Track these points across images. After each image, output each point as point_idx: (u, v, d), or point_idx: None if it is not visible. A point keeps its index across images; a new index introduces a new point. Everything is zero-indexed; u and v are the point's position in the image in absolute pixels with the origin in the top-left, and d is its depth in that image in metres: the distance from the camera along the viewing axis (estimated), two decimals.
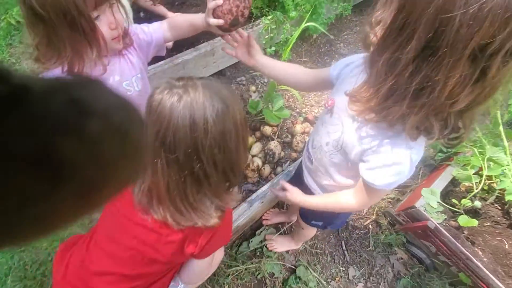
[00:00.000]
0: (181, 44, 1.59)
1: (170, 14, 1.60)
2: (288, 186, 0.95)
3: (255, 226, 1.61)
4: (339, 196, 0.81)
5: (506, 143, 1.44)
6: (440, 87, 0.47)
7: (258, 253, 1.52)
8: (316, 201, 0.88)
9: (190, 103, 0.53)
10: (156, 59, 1.41)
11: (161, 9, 1.58)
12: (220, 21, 0.80)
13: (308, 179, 1.00)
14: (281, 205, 1.69)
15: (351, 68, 0.74)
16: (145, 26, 0.98)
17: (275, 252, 1.52)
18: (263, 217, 1.61)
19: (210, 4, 0.79)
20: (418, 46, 0.46)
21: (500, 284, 1.22)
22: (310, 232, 1.38)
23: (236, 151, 0.60)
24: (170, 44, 1.43)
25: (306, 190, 1.06)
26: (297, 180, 1.18)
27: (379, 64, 0.52)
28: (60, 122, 0.16)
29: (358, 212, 1.74)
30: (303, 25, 1.25)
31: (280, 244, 1.51)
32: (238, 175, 0.65)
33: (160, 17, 1.67)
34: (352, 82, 0.67)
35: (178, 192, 0.58)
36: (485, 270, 1.25)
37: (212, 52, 1.49)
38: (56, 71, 0.79)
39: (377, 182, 0.66)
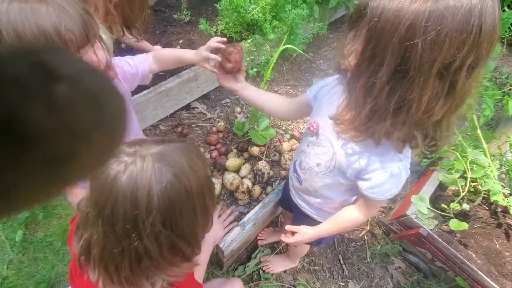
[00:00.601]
0: (163, 72, 1.61)
1: (154, 48, 1.62)
2: (296, 228, 0.96)
3: (250, 248, 1.59)
4: (345, 214, 0.83)
5: (485, 145, 1.49)
6: (416, 104, 0.52)
7: (255, 276, 1.49)
8: (327, 228, 0.89)
9: (135, 177, 0.49)
10: (139, 88, 1.42)
11: (145, 44, 1.60)
12: (219, 59, 0.93)
13: (296, 199, 1.01)
14: (275, 224, 1.68)
15: (328, 90, 0.78)
16: (129, 59, 1.00)
17: (273, 274, 1.49)
18: (258, 237, 1.59)
19: (213, 44, 0.93)
20: (389, 71, 0.51)
21: (495, 286, 1.23)
22: (305, 248, 1.37)
23: (190, 223, 0.57)
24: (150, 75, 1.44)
25: (295, 209, 1.06)
26: (286, 199, 1.18)
27: (357, 89, 0.56)
28: (25, 86, 0.15)
29: None
30: (281, 47, 1.29)
31: (276, 264, 1.49)
32: (196, 245, 0.62)
33: (144, 51, 1.70)
34: (333, 103, 0.71)
35: (112, 262, 0.55)
36: (480, 273, 1.26)
37: (195, 77, 1.52)
38: None
39: (381, 197, 0.71)
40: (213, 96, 1.71)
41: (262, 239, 1.58)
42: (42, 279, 1.37)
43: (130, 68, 0.99)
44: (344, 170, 0.74)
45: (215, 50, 0.96)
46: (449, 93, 0.51)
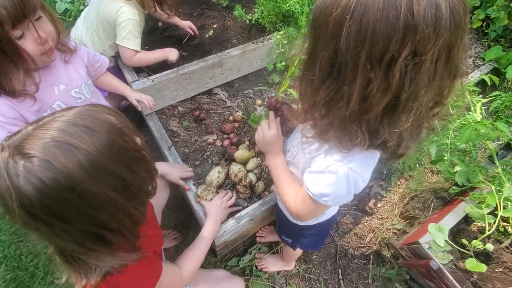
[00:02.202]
0: (192, 55, 1.63)
1: (183, 23, 1.64)
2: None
3: (248, 242, 1.57)
4: (291, 185, 0.78)
5: None
6: (346, 97, 0.51)
7: (247, 271, 1.47)
8: (279, 170, 0.82)
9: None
10: (162, 68, 1.45)
11: (176, 20, 1.63)
12: None
13: (275, 189, 1.09)
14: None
15: None
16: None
17: (265, 272, 1.47)
18: (258, 234, 1.57)
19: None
20: (324, 66, 0.52)
21: None
22: (291, 251, 1.32)
23: (100, 207, 0.54)
24: (174, 58, 1.47)
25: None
26: None
27: (302, 85, 0.60)
28: None
29: (359, 240, 1.64)
30: None
31: (270, 264, 1.46)
32: (128, 231, 0.60)
33: (176, 27, 1.72)
34: None
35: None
36: None
37: (220, 63, 1.50)
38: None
39: (312, 188, 0.65)
40: (237, 85, 1.69)
41: (261, 237, 1.56)
42: None
43: (94, 57, 1.06)
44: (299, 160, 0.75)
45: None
46: (387, 87, 0.47)
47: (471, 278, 1.29)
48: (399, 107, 0.49)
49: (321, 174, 0.62)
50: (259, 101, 1.63)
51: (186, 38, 1.71)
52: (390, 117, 0.52)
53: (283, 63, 1.67)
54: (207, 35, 1.76)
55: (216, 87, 1.62)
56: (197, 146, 1.42)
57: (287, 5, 1.53)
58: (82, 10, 2.27)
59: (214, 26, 1.80)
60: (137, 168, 0.59)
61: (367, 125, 0.54)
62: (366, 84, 0.48)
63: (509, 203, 1.26)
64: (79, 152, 0.49)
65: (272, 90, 1.69)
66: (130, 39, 1.28)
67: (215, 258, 1.48)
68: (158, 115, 1.46)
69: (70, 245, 0.55)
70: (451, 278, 1.19)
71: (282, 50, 1.64)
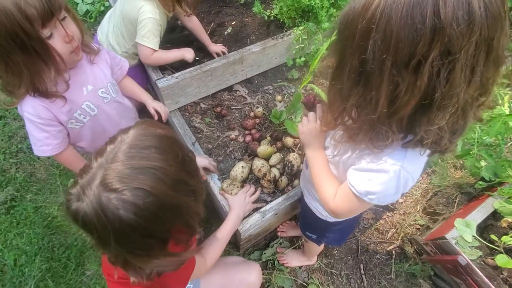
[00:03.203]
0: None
1: (213, 49, 1.63)
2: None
3: (269, 237, 1.59)
4: (331, 182, 0.76)
5: None
6: (374, 102, 0.52)
7: (270, 265, 1.49)
8: (318, 165, 0.80)
9: (92, 208, 0.51)
10: (185, 66, 1.47)
11: (207, 41, 1.63)
12: None
13: (302, 187, 1.07)
14: (298, 218, 1.65)
15: None
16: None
17: (287, 267, 1.48)
18: (279, 229, 1.58)
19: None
20: (353, 74, 0.53)
21: None
22: (314, 247, 1.32)
23: (166, 227, 0.58)
24: (191, 57, 1.48)
25: (302, 198, 1.09)
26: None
27: (331, 94, 0.61)
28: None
29: (381, 236, 1.63)
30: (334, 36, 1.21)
31: (292, 259, 1.47)
32: (192, 233, 0.64)
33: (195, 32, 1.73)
34: None
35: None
36: None
37: (240, 60, 1.52)
38: (31, 100, 0.81)
39: (357, 186, 0.64)
40: (256, 81, 1.70)
41: (282, 231, 1.57)
42: None
43: (115, 59, 1.07)
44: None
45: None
46: (415, 89, 0.47)
47: (501, 275, 1.26)
48: (433, 105, 0.49)
49: (370, 173, 0.62)
50: (279, 97, 1.63)
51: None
52: (424, 116, 0.51)
53: (303, 59, 1.67)
54: (226, 32, 1.77)
55: (236, 83, 1.64)
56: (219, 142, 1.44)
57: (307, 0, 1.53)
58: (103, 11, 2.34)
59: (233, 23, 1.81)
60: (193, 171, 0.64)
61: (398, 125, 0.54)
62: (393, 88, 0.49)
63: None
64: (159, 172, 0.53)
65: (292, 85, 1.69)
66: (149, 37, 1.31)
67: (237, 252, 1.51)
68: (181, 112, 1.50)
69: (138, 258, 0.58)
70: (481, 274, 1.17)
71: (302, 45, 1.64)
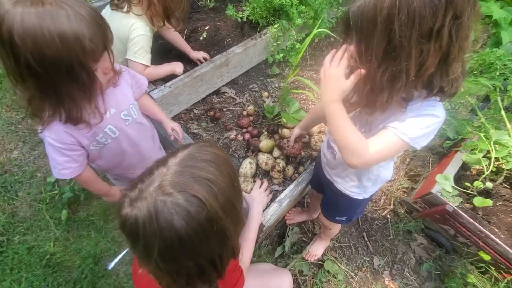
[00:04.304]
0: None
1: (194, 55, 1.65)
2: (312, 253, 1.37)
3: (279, 226, 1.67)
4: (358, 133, 0.74)
5: (508, 125, 1.54)
6: (405, 72, 0.62)
7: (291, 256, 1.56)
8: (344, 117, 0.74)
9: (143, 221, 0.50)
10: (172, 76, 1.47)
11: (187, 49, 1.65)
12: None
13: (332, 176, 1.08)
14: (301, 204, 1.75)
15: None
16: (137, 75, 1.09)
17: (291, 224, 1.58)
18: (286, 217, 1.66)
19: None
20: (379, 57, 0.63)
21: None
22: (337, 229, 1.44)
23: (219, 244, 0.57)
24: (181, 71, 1.50)
25: (328, 187, 1.13)
26: (317, 181, 1.26)
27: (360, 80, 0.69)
28: None
29: (375, 204, 1.81)
30: (315, 30, 1.32)
31: (317, 251, 1.55)
32: (224, 261, 0.61)
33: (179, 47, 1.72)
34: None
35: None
36: (504, 246, 1.33)
37: (226, 63, 1.56)
38: (56, 125, 0.80)
39: (410, 133, 0.69)
40: (241, 81, 1.76)
41: (290, 219, 1.66)
42: (88, 255, 1.46)
43: (134, 78, 1.06)
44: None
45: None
46: (438, 50, 0.60)
47: (478, 215, 1.50)
48: (450, 59, 0.62)
49: (422, 117, 0.69)
50: (265, 93, 1.71)
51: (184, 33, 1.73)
52: (442, 70, 0.64)
53: (281, 55, 1.77)
54: (201, 38, 1.80)
55: (223, 86, 1.68)
56: (221, 144, 1.48)
57: None
58: None
59: (206, 28, 1.84)
60: (240, 197, 0.63)
61: (421, 83, 0.66)
62: (419, 55, 0.60)
63: (497, 145, 1.49)
64: (214, 185, 0.53)
65: (275, 80, 1.78)
66: (141, 54, 1.29)
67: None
68: (176, 121, 1.49)
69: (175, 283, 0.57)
70: (466, 216, 1.39)
71: (278, 42, 1.74)
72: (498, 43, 1.93)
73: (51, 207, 1.57)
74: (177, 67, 1.48)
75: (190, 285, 0.59)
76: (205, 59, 1.63)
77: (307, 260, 1.56)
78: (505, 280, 1.44)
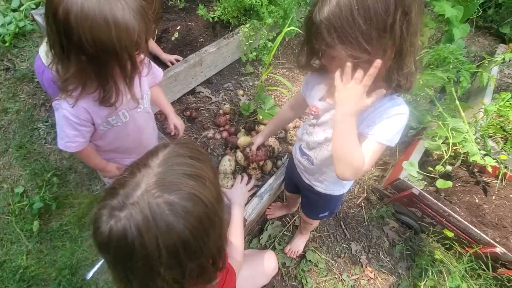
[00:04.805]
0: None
1: (166, 57, 1.65)
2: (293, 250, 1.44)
3: (261, 221, 1.70)
4: (359, 147, 0.74)
5: (462, 113, 1.69)
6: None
7: (269, 247, 1.61)
8: (354, 132, 0.74)
9: (142, 225, 0.45)
10: None
11: (158, 52, 1.64)
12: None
13: (311, 181, 1.10)
14: (281, 198, 1.80)
15: (312, 84, 0.93)
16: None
17: (284, 246, 1.62)
18: (266, 212, 1.70)
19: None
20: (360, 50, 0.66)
21: (478, 231, 1.45)
22: (317, 222, 1.51)
23: (217, 237, 0.55)
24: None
25: (308, 191, 1.15)
26: (292, 185, 1.31)
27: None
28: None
29: (349, 194, 1.91)
30: (285, 29, 1.38)
31: (299, 246, 1.60)
32: (222, 254, 0.60)
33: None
34: (321, 90, 0.89)
35: None
36: (465, 222, 1.47)
37: (200, 62, 1.57)
38: (79, 101, 0.83)
39: (387, 136, 0.74)
40: (215, 81, 1.77)
41: (271, 214, 1.70)
42: (64, 266, 1.40)
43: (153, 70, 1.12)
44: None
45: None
46: (393, 44, 0.65)
47: (441, 196, 1.64)
48: (403, 54, 0.67)
49: (392, 118, 0.74)
50: (241, 92, 1.74)
51: (154, 36, 1.72)
52: (397, 64, 0.69)
53: (254, 53, 1.81)
54: (173, 38, 1.78)
55: (198, 85, 1.68)
56: (199, 143, 1.48)
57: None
58: (20, 33, 2.05)
59: (178, 28, 1.83)
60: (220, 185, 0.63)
61: (382, 77, 0.71)
62: (383, 49, 0.66)
63: (454, 132, 1.63)
64: (206, 180, 0.52)
65: (249, 79, 1.82)
66: None
67: None
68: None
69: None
70: (430, 197, 1.51)
71: (250, 41, 1.77)
72: (450, 39, 2.11)
73: (21, 219, 1.49)
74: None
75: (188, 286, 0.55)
76: (177, 61, 1.62)
77: (290, 256, 1.60)
78: (468, 254, 1.58)
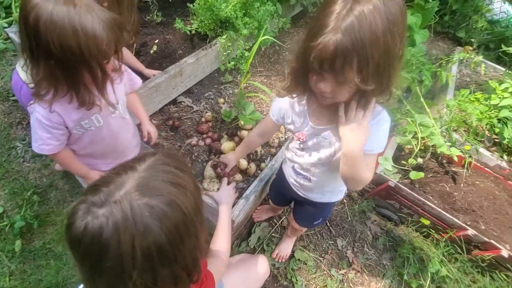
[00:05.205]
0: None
1: (148, 72, 1.66)
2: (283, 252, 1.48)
3: (248, 225, 1.74)
4: (366, 167, 0.80)
5: (428, 110, 1.84)
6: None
7: (258, 249, 1.64)
8: (359, 157, 0.78)
9: (120, 224, 0.46)
10: None
11: (140, 67, 1.65)
12: None
13: (311, 195, 1.12)
14: (266, 200, 1.85)
15: (289, 111, 0.94)
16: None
17: (273, 247, 1.66)
18: (253, 216, 1.74)
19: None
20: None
21: (450, 217, 1.56)
22: (304, 229, 1.56)
23: (193, 246, 0.56)
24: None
25: (306, 203, 1.19)
26: (281, 199, 1.38)
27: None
28: None
29: None
30: (260, 38, 1.46)
31: (286, 250, 1.63)
32: (197, 266, 0.60)
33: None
34: (300, 114, 0.90)
35: None
36: (438, 209, 1.58)
37: (180, 72, 1.62)
38: (59, 103, 0.86)
39: (380, 145, 0.79)
40: (196, 90, 1.82)
41: (257, 217, 1.74)
42: (49, 285, 1.36)
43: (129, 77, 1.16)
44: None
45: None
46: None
47: (415, 187, 1.76)
48: (395, 73, 0.69)
49: (381, 128, 0.78)
50: (221, 100, 1.80)
51: (134, 50, 1.75)
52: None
53: (232, 63, 1.88)
54: (152, 51, 1.83)
55: (179, 95, 1.73)
56: (183, 151, 1.51)
57: (223, 12, 1.75)
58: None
59: (156, 41, 1.88)
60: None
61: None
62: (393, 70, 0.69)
63: (422, 127, 1.77)
64: (187, 190, 0.54)
65: (229, 87, 1.89)
66: None
67: None
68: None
69: None
70: (405, 188, 1.62)
71: (228, 51, 1.85)
72: (413, 44, 2.30)
73: (1, 240, 1.43)
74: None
75: None
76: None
77: (278, 260, 1.64)
78: (444, 239, 1.69)
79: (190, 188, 0.55)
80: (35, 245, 1.46)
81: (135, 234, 0.46)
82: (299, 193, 1.13)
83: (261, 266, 1.24)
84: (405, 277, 1.65)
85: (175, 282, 0.55)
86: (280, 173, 1.23)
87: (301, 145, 0.96)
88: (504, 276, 1.60)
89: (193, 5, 1.81)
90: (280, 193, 1.33)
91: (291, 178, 1.12)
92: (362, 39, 0.60)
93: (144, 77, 1.66)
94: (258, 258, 1.28)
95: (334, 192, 1.11)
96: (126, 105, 1.12)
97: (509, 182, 1.81)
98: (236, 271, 1.18)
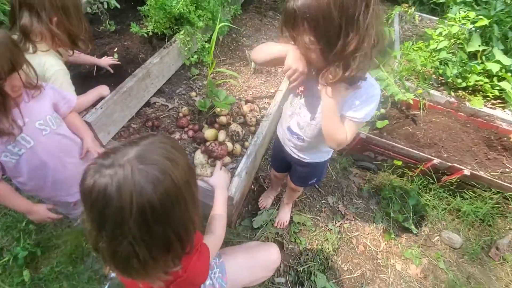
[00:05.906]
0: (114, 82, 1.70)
1: (102, 62, 1.70)
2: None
3: (251, 209, 1.83)
4: (341, 126, 0.91)
5: (380, 66, 2.03)
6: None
7: (261, 228, 1.75)
8: (332, 114, 0.89)
9: (123, 184, 0.54)
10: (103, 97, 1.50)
11: (93, 60, 1.68)
12: None
13: (303, 156, 1.22)
14: (259, 180, 1.96)
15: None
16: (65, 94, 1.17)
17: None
18: (260, 205, 1.83)
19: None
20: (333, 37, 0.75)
21: (417, 152, 1.77)
22: (301, 190, 1.68)
23: (182, 216, 0.63)
24: (108, 93, 1.53)
25: (299, 165, 1.30)
26: (281, 165, 1.47)
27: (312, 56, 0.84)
28: None
29: None
30: (218, 26, 1.54)
31: (285, 217, 1.76)
32: (187, 240, 0.67)
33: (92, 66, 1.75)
34: None
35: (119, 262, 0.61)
36: (406, 148, 1.78)
37: (148, 74, 1.65)
38: None
39: (367, 116, 0.89)
40: (167, 89, 1.86)
41: (263, 205, 1.83)
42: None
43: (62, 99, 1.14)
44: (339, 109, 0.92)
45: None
46: (356, 33, 0.72)
47: (383, 134, 1.95)
48: (364, 44, 0.73)
49: (366, 101, 0.87)
50: (193, 93, 1.86)
51: (95, 69, 1.75)
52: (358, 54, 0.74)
53: (195, 56, 1.94)
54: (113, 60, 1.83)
55: (152, 97, 1.76)
56: None
57: (176, 9, 1.79)
58: None
59: (115, 50, 1.88)
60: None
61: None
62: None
63: (379, 80, 1.96)
64: (179, 165, 0.62)
65: (198, 80, 1.95)
66: (66, 88, 1.26)
67: (229, 229, 1.69)
68: (117, 140, 1.52)
69: (145, 253, 0.60)
70: (376, 137, 1.80)
71: (189, 46, 1.90)
72: None
73: (7, 276, 1.41)
74: (102, 90, 1.51)
75: (156, 259, 0.63)
76: (117, 61, 1.75)
77: (279, 228, 1.76)
78: (416, 174, 1.91)
79: (182, 164, 0.63)
80: (43, 271, 1.45)
81: (133, 191, 0.55)
82: (293, 155, 1.24)
83: (271, 255, 1.24)
84: (392, 215, 1.86)
85: (167, 248, 0.63)
86: (277, 139, 1.33)
87: (301, 100, 1.04)
88: (471, 193, 1.86)
89: (144, 7, 1.83)
90: (278, 157, 1.42)
91: (285, 139, 1.21)
92: (310, 4, 0.72)
93: (113, 82, 1.68)
94: (269, 247, 1.28)
95: (322, 152, 1.23)
96: (68, 126, 1.11)
97: (459, 113, 2.07)
98: (243, 256, 1.20)
